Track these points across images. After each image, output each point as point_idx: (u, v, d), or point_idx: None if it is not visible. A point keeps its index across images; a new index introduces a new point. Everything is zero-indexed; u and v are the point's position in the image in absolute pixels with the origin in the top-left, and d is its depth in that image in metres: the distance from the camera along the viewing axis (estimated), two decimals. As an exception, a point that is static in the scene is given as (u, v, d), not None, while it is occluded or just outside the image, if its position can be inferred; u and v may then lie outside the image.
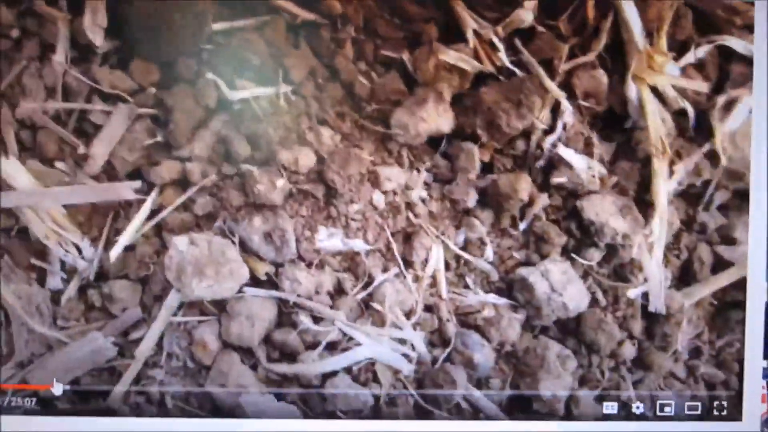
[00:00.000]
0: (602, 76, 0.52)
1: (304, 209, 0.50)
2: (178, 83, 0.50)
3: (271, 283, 0.51)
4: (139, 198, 0.51)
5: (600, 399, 0.53)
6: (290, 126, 0.50)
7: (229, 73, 0.50)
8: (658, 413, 0.52)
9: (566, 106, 0.51)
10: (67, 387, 0.47)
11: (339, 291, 0.51)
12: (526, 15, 0.52)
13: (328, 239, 0.50)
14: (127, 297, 0.51)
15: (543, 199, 0.52)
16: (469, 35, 0.51)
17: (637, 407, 0.52)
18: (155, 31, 0.49)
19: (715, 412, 0.52)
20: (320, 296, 0.50)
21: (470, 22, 0.52)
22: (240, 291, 0.50)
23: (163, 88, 0.51)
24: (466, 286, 0.53)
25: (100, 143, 0.50)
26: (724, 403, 0.52)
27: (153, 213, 0.51)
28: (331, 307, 0.51)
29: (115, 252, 0.50)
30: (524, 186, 0.51)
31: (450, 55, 0.50)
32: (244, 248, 0.50)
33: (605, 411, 0.52)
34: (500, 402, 0.52)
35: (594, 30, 0.52)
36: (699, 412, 0.52)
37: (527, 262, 0.54)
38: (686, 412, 0.52)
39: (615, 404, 0.52)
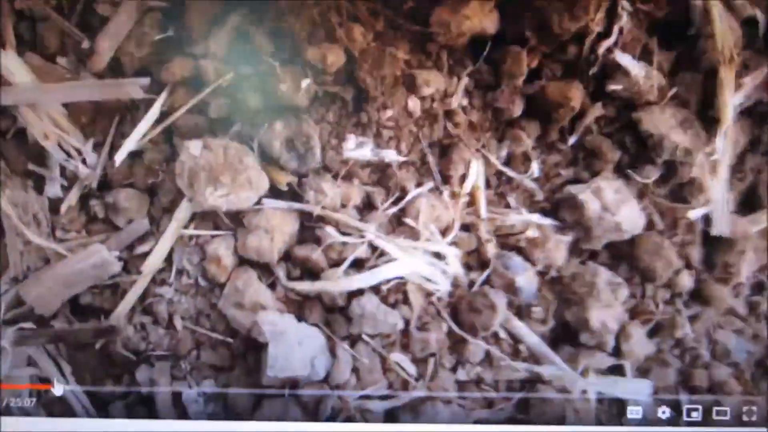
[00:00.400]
0: (663, -23, 0.46)
1: (330, 114, 0.45)
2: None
3: (293, 194, 0.46)
4: (147, 98, 0.45)
5: (652, 333, 0.47)
6: (317, 21, 0.44)
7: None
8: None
9: (624, 6, 0.45)
10: (68, 387, 0.43)
11: (368, 205, 0.47)
12: None
13: (357, 148, 0.46)
14: (133, 207, 0.47)
15: (596, 109, 0.47)
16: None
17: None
18: None
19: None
20: (347, 210, 0.46)
21: None
22: (258, 202, 0.46)
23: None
24: (508, 206, 0.48)
25: (105, 37, 0.46)
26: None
27: (163, 115, 0.47)
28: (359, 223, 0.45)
29: (120, 157, 0.46)
30: (576, 94, 0.46)
31: (497, -53, 0.44)
32: (264, 155, 0.46)
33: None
34: (542, 333, 0.47)
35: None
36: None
37: (576, 180, 0.49)
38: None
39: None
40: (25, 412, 0.46)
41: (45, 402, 0.47)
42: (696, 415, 0.47)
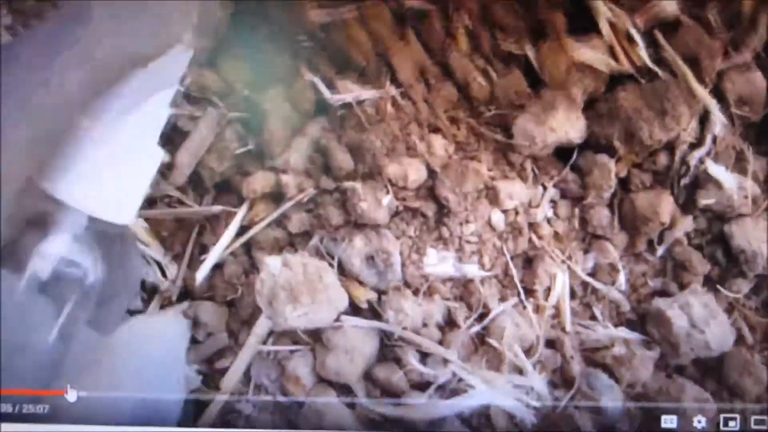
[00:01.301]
0: (759, 79, 0.47)
1: (411, 229, 0.46)
2: (272, 84, 0.45)
3: (373, 311, 0.46)
4: (226, 210, 0.46)
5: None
6: (398, 134, 0.44)
7: (330, 73, 0.45)
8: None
9: (718, 116, 0.44)
10: (83, 393, 0.43)
11: (450, 323, 0.47)
12: (669, 5, 0.45)
13: (439, 263, 0.46)
14: (213, 321, 0.47)
15: (687, 223, 0.46)
16: (604, 27, 0.46)
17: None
18: (248, 27, 0.43)
19: None
20: (429, 329, 0.46)
21: (605, 11, 0.46)
22: (337, 319, 0.45)
23: (255, 90, 0.45)
24: (593, 317, 0.48)
25: (186, 152, 0.46)
26: None
27: (242, 229, 0.46)
28: (441, 343, 0.45)
29: (202, 274, 0.47)
30: (666, 207, 0.46)
31: (586, 54, 0.44)
32: (343, 271, 0.46)
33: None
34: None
35: (749, 23, 0.46)
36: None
37: (663, 292, 0.48)
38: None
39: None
40: (37, 419, 0.47)
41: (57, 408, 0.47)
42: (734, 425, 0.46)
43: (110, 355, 0.37)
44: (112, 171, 0.34)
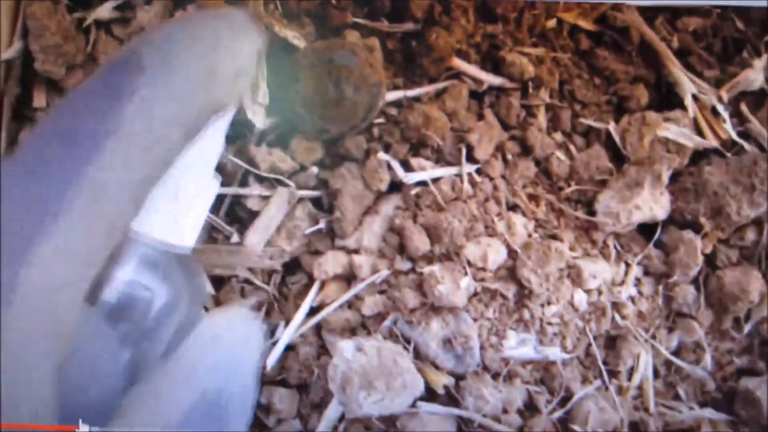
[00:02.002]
0: None
1: (490, 311, 0.45)
2: (344, 162, 0.44)
3: (450, 396, 0.45)
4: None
5: None
6: (476, 213, 0.43)
7: (403, 151, 0.44)
8: None
9: (809, 188, 0.44)
10: (96, 429, 0.42)
11: (531, 408, 0.46)
12: (756, 76, 0.44)
13: (519, 346, 0.45)
14: (285, 406, 0.46)
15: (776, 301, 0.45)
16: (689, 102, 0.45)
17: None
18: (321, 105, 0.42)
19: None
20: (509, 415, 0.45)
21: (689, 85, 0.45)
22: (413, 405, 0.44)
23: (326, 168, 0.45)
24: (677, 397, 0.47)
25: (255, 232, 0.45)
26: None
27: (312, 310, 0.45)
28: (522, 429, 0.44)
29: (275, 357, 0.45)
30: (756, 285, 0.45)
31: (671, 131, 0.43)
32: (418, 355, 0.45)
33: None
34: None
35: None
36: None
37: (750, 370, 0.47)
38: None
39: None
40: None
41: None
42: None
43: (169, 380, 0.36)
44: (172, 199, 0.35)
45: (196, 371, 0.36)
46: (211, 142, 0.38)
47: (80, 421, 0.30)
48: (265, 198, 0.48)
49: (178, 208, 0.36)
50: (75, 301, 0.29)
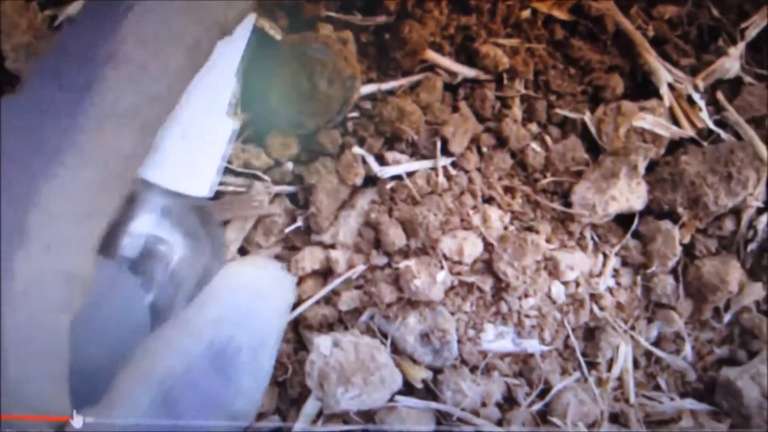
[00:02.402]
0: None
1: (467, 304, 0.45)
2: (319, 157, 0.44)
3: (428, 390, 0.45)
4: None
5: None
6: (451, 207, 0.43)
7: (378, 145, 0.44)
8: None
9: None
10: (90, 419, 0.42)
11: (509, 400, 0.46)
12: (731, 64, 0.44)
13: (497, 339, 0.45)
14: (265, 402, 0.46)
15: (756, 291, 0.45)
16: (664, 91, 0.45)
17: None
18: (295, 99, 0.42)
19: None
20: (488, 408, 0.45)
21: (664, 74, 0.45)
22: (391, 400, 0.44)
23: (301, 163, 0.45)
24: (657, 388, 0.47)
25: (233, 227, 0.45)
26: None
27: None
28: (501, 422, 0.44)
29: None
30: (734, 275, 0.45)
31: (646, 121, 0.43)
32: (396, 349, 0.45)
33: None
34: None
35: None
36: None
37: (731, 360, 0.47)
38: None
39: None
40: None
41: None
42: None
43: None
44: (185, 145, 0.35)
45: (204, 321, 0.36)
46: (220, 76, 0.37)
47: (74, 411, 0.30)
48: (240, 194, 0.48)
49: (189, 150, 0.36)
50: (87, 247, 0.28)
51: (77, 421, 0.43)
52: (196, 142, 0.34)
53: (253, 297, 0.36)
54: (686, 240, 0.48)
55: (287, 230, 0.47)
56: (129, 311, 0.34)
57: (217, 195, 0.46)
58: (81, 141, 0.28)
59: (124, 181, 0.29)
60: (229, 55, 0.35)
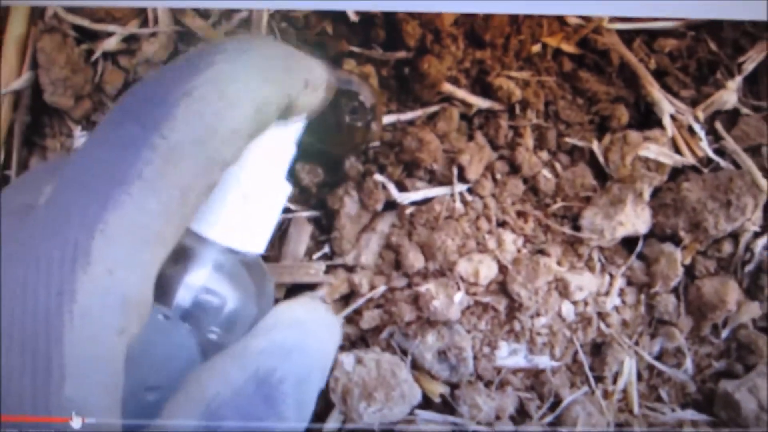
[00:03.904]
0: (820, 165, 0.49)
1: (482, 323, 0.48)
2: (341, 184, 0.48)
3: (446, 404, 0.48)
4: None
5: None
6: (468, 231, 0.47)
7: (397, 172, 0.47)
8: None
9: (781, 204, 0.48)
10: (92, 420, 0.44)
11: (522, 413, 0.49)
12: (729, 96, 0.48)
13: (510, 356, 0.48)
14: (289, 418, 0.49)
15: (753, 309, 0.49)
16: (667, 121, 0.48)
17: None
18: (322, 131, 0.46)
19: None
20: (502, 422, 0.48)
21: (667, 105, 0.48)
22: (411, 413, 0.48)
23: (326, 190, 0.48)
24: (659, 399, 0.51)
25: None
26: None
27: (313, 325, 0.49)
28: (515, 434, 0.48)
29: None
30: (733, 295, 0.48)
31: (651, 150, 0.47)
32: (415, 365, 0.48)
33: None
34: None
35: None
36: None
37: (729, 373, 0.50)
38: None
39: None
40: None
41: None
42: None
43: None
44: (243, 204, 0.37)
45: (251, 352, 0.38)
46: (281, 144, 0.39)
47: (73, 412, 0.30)
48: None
49: (248, 211, 0.38)
50: (147, 274, 0.30)
51: (76, 422, 0.46)
52: (256, 204, 0.37)
53: (299, 334, 0.39)
54: (687, 261, 0.51)
55: (314, 256, 0.50)
56: (179, 354, 0.36)
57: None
58: (146, 173, 0.29)
59: (184, 213, 0.31)
60: (293, 124, 0.38)
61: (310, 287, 0.50)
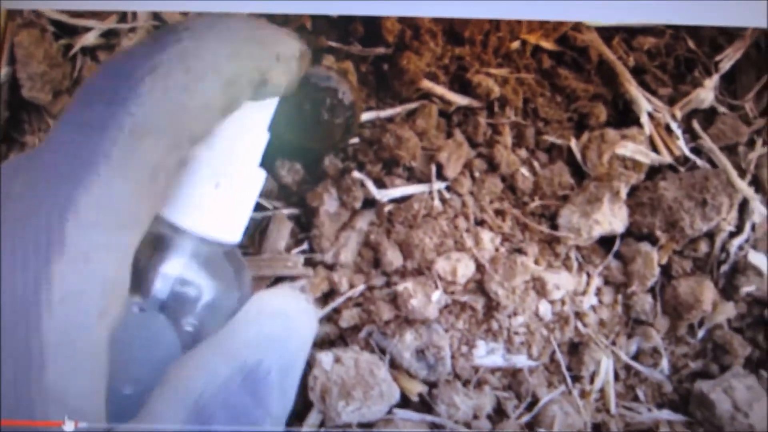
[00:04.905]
0: (795, 165, 0.49)
1: (460, 322, 0.48)
2: (320, 181, 0.48)
3: (424, 403, 0.48)
4: None
5: None
6: (446, 230, 0.47)
7: (376, 170, 0.47)
8: None
9: (756, 205, 0.48)
10: (84, 425, 0.44)
11: (499, 412, 0.49)
12: (706, 95, 0.49)
13: (488, 355, 0.48)
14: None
15: (728, 310, 0.49)
16: (644, 120, 0.49)
17: None
18: (301, 127, 0.45)
19: None
20: (479, 421, 0.48)
21: (644, 104, 0.49)
22: (389, 412, 0.48)
23: (305, 187, 0.48)
24: (635, 399, 0.51)
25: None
26: None
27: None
28: (492, 433, 0.48)
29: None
30: (708, 295, 0.49)
31: (628, 149, 0.47)
32: (394, 364, 0.49)
33: None
34: None
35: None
36: None
37: (704, 373, 0.51)
38: None
39: None
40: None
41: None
42: None
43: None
44: (218, 195, 0.36)
45: (236, 343, 0.37)
46: (253, 129, 0.39)
47: (65, 417, 0.30)
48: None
49: (222, 198, 0.37)
50: (123, 256, 0.30)
51: (68, 426, 0.45)
52: (229, 191, 0.36)
53: (281, 324, 0.39)
54: (664, 261, 0.52)
55: (294, 251, 0.50)
56: (158, 346, 0.36)
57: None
58: (114, 153, 0.29)
59: (155, 192, 0.31)
60: (264, 109, 0.37)
61: (290, 280, 0.50)
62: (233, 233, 0.38)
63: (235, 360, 0.36)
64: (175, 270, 0.36)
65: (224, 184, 0.36)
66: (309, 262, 0.51)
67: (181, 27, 0.33)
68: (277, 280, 0.51)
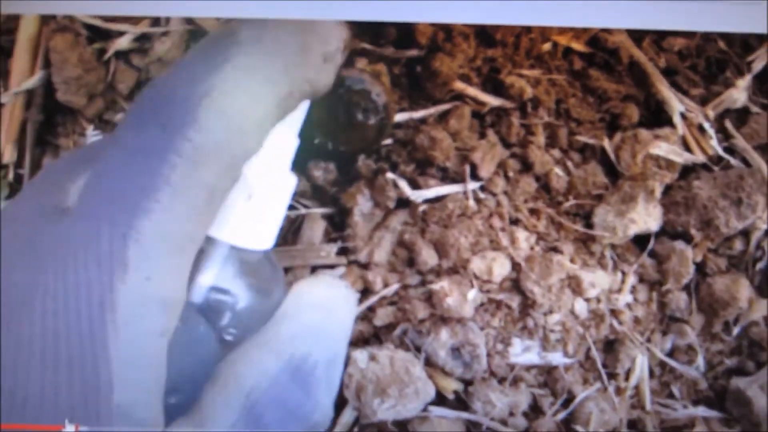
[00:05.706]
0: (830, 162, 0.50)
1: (496, 320, 0.49)
2: (354, 182, 0.48)
3: (459, 401, 0.49)
4: None
5: None
6: (481, 229, 0.47)
7: (410, 170, 0.48)
8: None
9: (792, 201, 0.48)
10: (84, 429, 0.45)
11: (535, 410, 0.50)
12: (739, 95, 0.49)
13: (523, 353, 0.49)
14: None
15: (763, 307, 0.49)
16: (677, 120, 0.49)
17: None
18: (335, 129, 0.46)
19: None
20: (515, 418, 0.49)
21: (676, 104, 0.49)
22: (425, 410, 0.48)
23: (339, 188, 0.49)
24: (671, 395, 0.51)
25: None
26: None
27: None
28: (528, 431, 0.48)
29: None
30: (744, 292, 0.49)
31: (662, 148, 0.48)
32: (429, 362, 0.49)
33: None
34: None
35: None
36: None
37: (740, 370, 0.51)
38: None
39: None
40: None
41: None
42: None
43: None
44: (249, 205, 0.36)
45: (282, 338, 0.38)
46: (284, 137, 0.39)
47: (66, 420, 0.30)
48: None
49: (254, 209, 0.37)
50: (181, 275, 0.31)
51: (68, 428, 0.46)
52: (262, 201, 0.37)
53: (325, 315, 0.39)
54: (699, 259, 0.52)
55: (332, 252, 0.51)
56: (200, 354, 0.37)
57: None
58: (173, 178, 0.30)
59: (211, 211, 0.32)
60: (295, 115, 0.38)
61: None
62: (266, 240, 0.39)
63: (282, 355, 0.36)
64: (209, 279, 0.37)
65: (256, 195, 0.37)
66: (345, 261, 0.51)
67: (229, 41, 0.33)
68: (313, 271, 0.51)
